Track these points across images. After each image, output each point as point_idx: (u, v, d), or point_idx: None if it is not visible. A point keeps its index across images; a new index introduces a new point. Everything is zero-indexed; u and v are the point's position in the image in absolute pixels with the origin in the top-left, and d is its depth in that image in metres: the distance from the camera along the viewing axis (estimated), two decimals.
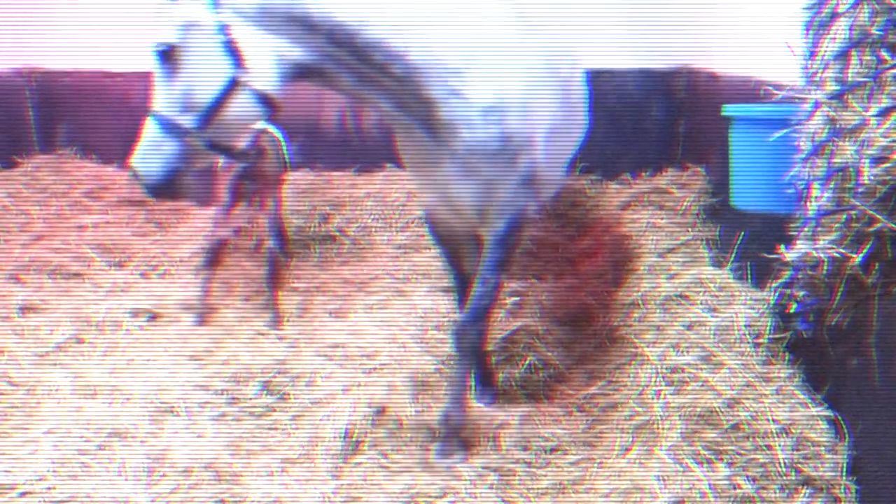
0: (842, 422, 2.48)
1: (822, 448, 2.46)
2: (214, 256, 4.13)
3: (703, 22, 4.55)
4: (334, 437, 3.00)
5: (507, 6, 2.82)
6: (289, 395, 3.34)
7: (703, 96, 4.60)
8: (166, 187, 2.35)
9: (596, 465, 2.77)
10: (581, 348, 3.56)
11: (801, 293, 2.01)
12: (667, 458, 2.52)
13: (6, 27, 5.53)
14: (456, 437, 2.89)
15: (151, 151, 2.34)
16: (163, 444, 2.78)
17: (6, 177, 5.40)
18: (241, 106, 2.32)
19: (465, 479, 2.72)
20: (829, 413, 2.53)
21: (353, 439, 2.98)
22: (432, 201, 3.05)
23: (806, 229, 1.94)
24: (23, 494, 2.51)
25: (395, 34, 2.40)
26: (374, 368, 3.57)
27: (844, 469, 2.40)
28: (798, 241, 1.97)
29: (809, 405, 2.59)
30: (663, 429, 2.70)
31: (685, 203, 4.34)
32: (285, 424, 3.12)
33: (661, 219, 4.27)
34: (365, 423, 3.04)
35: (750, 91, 3.50)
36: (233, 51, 2.28)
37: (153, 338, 3.86)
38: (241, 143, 2.43)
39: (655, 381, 2.94)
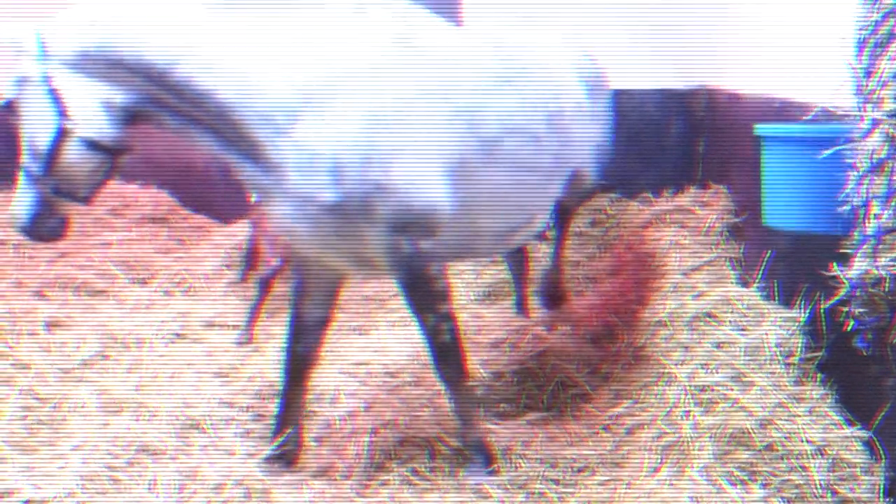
0: (878, 442, 2.46)
1: (858, 469, 2.43)
2: (267, 284, 4.18)
3: (724, 42, 4.57)
4: (359, 455, 3.00)
5: (380, 30, 2.59)
6: (314, 412, 3.34)
7: (724, 116, 4.61)
8: (32, 230, 2.50)
9: (624, 485, 2.74)
10: (607, 368, 3.54)
11: (859, 311, 2.01)
12: (700, 478, 2.50)
13: None
14: (480, 455, 2.87)
15: (20, 197, 2.48)
16: (193, 460, 2.78)
17: None
18: (74, 154, 2.40)
19: (493, 498, 2.70)
20: (864, 433, 2.50)
21: (379, 457, 2.98)
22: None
23: (865, 247, 1.94)
24: None
25: (204, 71, 2.34)
26: (398, 386, 3.57)
27: (882, 490, 2.37)
28: (856, 259, 1.98)
29: (843, 426, 2.57)
30: (694, 449, 2.68)
31: (708, 222, 4.33)
32: (310, 442, 3.11)
33: (685, 238, 4.26)
34: (390, 441, 3.04)
35: (772, 110, 3.51)
36: (57, 101, 2.36)
37: (178, 354, 3.88)
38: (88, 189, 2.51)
39: (684, 401, 2.91)
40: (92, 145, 2.40)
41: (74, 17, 2.40)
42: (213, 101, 2.38)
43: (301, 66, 2.42)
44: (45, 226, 2.50)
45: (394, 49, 2.58)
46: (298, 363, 2.91)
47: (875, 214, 1.96)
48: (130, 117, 2.44)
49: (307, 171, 2.41)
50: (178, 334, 4.14)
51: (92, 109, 2.38)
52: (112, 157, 2.47)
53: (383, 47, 2.55)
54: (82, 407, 3.30)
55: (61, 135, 2.37)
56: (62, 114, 2.37)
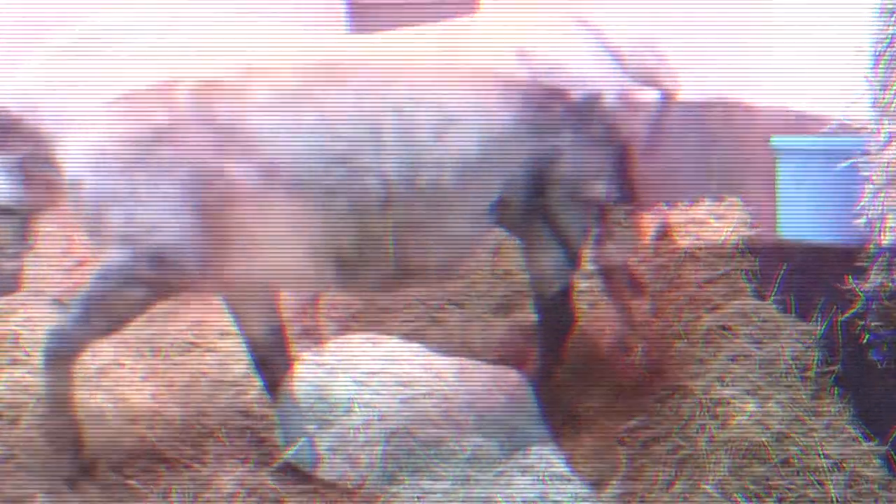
0: None
1: (876, 485, 2.40)
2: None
3: (739, 53, 4.56)
4: (371, 465, 3.00)
5: (152, 52, 2.70)
6: (327, 421, 3.35)
7: (739, 128, 4.60)
8: None
9: (638, 498, 2.73)
10: (620, 381, 3.52)
11: (875, 324, 2.01)
12: (714, 492, 2.48)
13: None
14: None
15: None
16: (208, 468, 2.80)
17: None
18: None
19: None
20: (882, 448, 2.47)
21: (391, 468, 2.98)
22: None
23: (881, 260, 1.94)
24: None
25: (30, 113, 2.66)
26: (411, 396, 3.57)
27: None
28: (872, 272, 1.98)
29: (861, 441, 2.54)
30: (709, 463, 2.66)
31: (723, 234, 4.31)
32: (323, 451, 3.12)
33: (699, 250, 4.24)
34: (401, 451, 3.04)
35: (788, 122, 3.50)
36: None
37: (192, 363, 3.90)
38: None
39: (699, 415, 2.90)
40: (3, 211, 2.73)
41: None
42: (39, 136, 2.66)
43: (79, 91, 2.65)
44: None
45: (154, 72, 2.63)
46: (273, 374, 3.02)
47: (891, 227, 1.96)
48: (22, 176, 2.72)
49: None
50: (192, 343, 4.16)
51: None
52: (25, 218, 2.81)
53: (147, 70, 2.64)
54: (98, 415, 3.32)
55: None
56: None
